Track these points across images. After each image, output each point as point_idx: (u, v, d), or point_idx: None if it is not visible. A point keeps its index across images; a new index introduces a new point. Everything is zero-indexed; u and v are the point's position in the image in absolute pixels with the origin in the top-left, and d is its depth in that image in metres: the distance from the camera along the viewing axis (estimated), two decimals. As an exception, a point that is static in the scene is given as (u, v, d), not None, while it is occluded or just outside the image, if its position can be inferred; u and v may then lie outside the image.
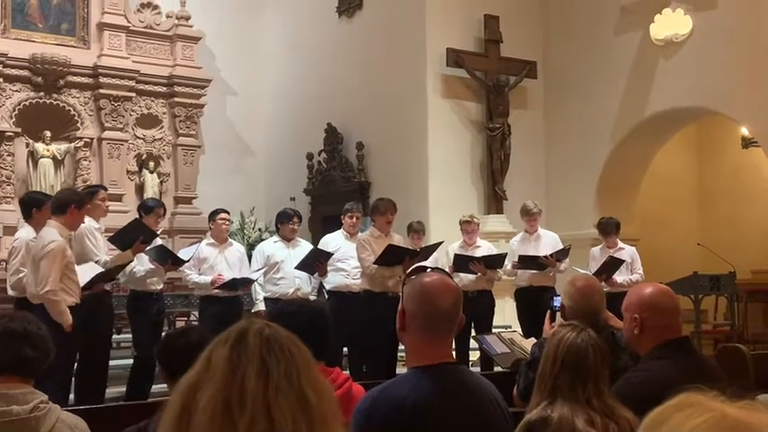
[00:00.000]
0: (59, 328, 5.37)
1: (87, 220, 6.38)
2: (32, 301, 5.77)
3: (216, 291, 7.33)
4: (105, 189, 7.22)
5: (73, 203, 5.81)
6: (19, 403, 2.43)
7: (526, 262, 8.03)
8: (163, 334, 7.00)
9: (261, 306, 7.56)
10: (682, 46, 10.18)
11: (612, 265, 8.06)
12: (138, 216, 7.30)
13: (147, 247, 6.77)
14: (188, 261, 7.17)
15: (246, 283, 7.48)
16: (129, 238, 6.57)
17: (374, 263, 7.16)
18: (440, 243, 7.91)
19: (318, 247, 7.71)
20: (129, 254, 6.57)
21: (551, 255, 7.91)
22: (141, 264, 6.91)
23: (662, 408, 0.95)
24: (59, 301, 5.59)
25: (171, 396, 1.29)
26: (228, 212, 7.89)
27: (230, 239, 7.93)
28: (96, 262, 6.46)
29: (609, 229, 8.42)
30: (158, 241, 7.12)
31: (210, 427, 1.18)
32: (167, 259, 6.99)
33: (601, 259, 8.26)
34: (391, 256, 7.11)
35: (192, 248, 7.41)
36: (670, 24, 10.19)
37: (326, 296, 7.78)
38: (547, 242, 8.21)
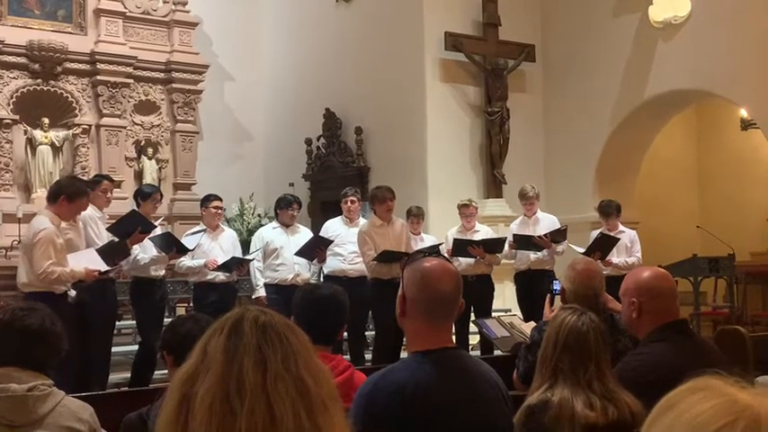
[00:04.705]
0: (69, 321, 5.37)
1: (90, 208, 6.39)
2: (24, 290, 5.79)
3: (213, 273, 7.31)
4: (110, 180, 7.19)
5: (63, 194, 5.82)
6: (18, 383, 2.47)
7: (521, 242, 8.01)
8: (164, 320, 7.03)
9: (261, 292, 7.56)
10: (680, 28, 10.15)
11: (606, 243, 7.96)
12: (135, 202, 7.29)
13: (152, 235, 6.77)
14: (192, 250, 7.15)
15: (241, 263, 7.47)
16: (127, 228, 6.57)
17: (373, 259, 7.20)
18: (438, 244, 7.88)
19: (320, 233, 7.72)
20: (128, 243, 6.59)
21: (546, 235, 7.89)
22: (145, 251, 6.92)
23: (676, 390, 0.95)
24: (58, 272, 5.62)
25: (170, 386, 1.29)
26: (221, 199, 7.74)
27: (222, 226, 7.88)
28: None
29: (609, 210, 8.32)
30: (158, 230, 7.11)
31: (210, 417, 1.19)
32: (172, 247, 6.98)
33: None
34: (386, 258, 7.14)
35: (195, 237, 7.35)
36: (669, 6, 10.15)
37: (323, 281, 7.78)
38: (545, 225, 8.16)
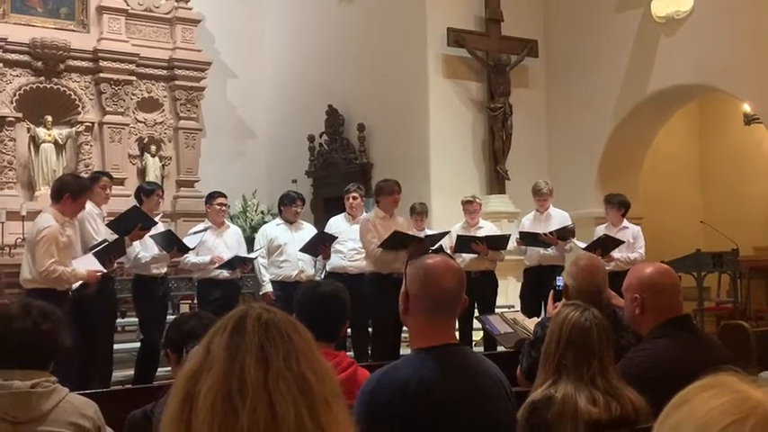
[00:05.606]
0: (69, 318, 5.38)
1: (89, 205, 6.39)
2: (26, 287, 5.81)
3: (217, 270, 7.30)
4: (109, 177, 7.18)
5: (68, 192, 5.84)
6: (21, 379, 2.48)
7: (527, 239, 7.99)
8: (167, 317, 7.03)
9: (268, 288, 7.56)
10: (683, 23, 10.13)
11: (608, 243, 7.85)
12: (137, 200, 7.28)
13: (153, 233, 6.77)
14: (193, 249, 7.15)
15: (245, 261, 7.47)
16: (127, 224, 6.57)
17: (379, 246, 7.16)
18: (446, 232, 7.90)
19: (324, 230, 7.74)
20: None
21: (551, 232, 7.87)
22: (146, 249, 6.91)
23: (690, 387, 0.95)
24: (60, 271, 5.64)
25: (174, 383, 1.30)
26: (226, 196, 7.75)
27: (227, 222, 7.88)
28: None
29: (612, 201, 8.22)
30: (160, 227, 7.10)
31: (212, 415, 1.20)
32: (173, 246, 6.98)
33: (605, 238, 8.15)
34: (396, 242, 7.09)
35: (197, 236, 7.35)
36: (671, 1, 10.14)
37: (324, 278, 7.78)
38: (557, 221, 8.10)
